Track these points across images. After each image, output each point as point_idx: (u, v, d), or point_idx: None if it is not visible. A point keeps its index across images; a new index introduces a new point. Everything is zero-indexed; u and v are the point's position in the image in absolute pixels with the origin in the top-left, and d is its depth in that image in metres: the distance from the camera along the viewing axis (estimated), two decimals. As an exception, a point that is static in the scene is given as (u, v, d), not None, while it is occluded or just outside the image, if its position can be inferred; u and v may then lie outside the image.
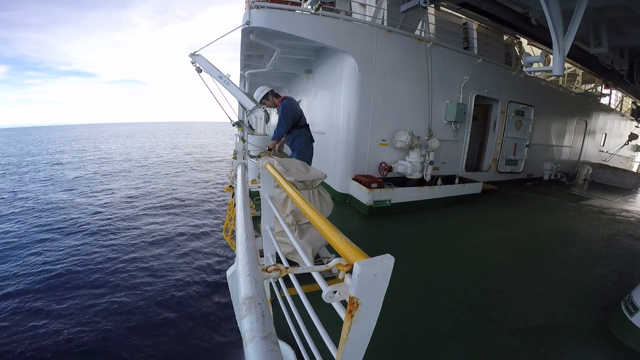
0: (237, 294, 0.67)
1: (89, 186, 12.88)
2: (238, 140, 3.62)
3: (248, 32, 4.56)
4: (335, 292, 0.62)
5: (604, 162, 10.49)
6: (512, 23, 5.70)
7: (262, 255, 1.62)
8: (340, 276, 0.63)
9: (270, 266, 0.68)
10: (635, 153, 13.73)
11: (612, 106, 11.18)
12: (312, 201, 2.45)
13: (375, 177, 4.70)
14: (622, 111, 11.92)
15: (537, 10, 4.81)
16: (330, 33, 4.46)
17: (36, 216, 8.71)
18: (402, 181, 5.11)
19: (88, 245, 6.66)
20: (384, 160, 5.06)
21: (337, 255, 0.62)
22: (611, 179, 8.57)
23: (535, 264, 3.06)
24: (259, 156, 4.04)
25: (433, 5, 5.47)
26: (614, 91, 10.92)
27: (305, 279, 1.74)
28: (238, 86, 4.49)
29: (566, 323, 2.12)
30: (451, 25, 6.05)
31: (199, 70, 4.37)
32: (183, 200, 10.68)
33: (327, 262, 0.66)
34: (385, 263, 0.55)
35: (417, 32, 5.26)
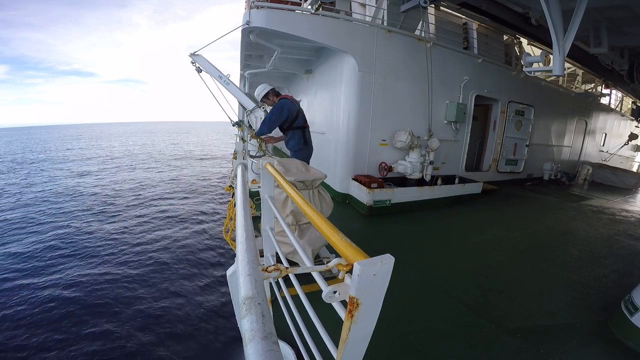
0: (237, 294, 0.66)
1: (90, 184, 12.89)
2: (238, 140, 3.63)
3: (248, 32, 4.56)
4: (335, 292, 0.62)
5: (604, 162, 10.49)
6: (512, 23, 5.70)
7: (262, 255, 1.62)
8: (340, 276, 0.63)
9: (270, 266, 0.68)
10: (635, 153, 13.73)
11: (612, 106, 11.18)
12: (312, 201, 2.45)
13: (375, 177, 4.70)
14: (622, 111, 11.93)
15: (537, 10, 4.81)
16: (330, 33, 4.46)
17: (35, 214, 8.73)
18: (402, 181, 5.12)
19: (88, 241, 6.66)
20: (384, 160, 5.06)
21: (337, 255, 0.62)
22: (611, 179, 8.57)
23: (535, 264, 3.06)
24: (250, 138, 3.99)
25: (433, 5, 5.46)
26: (614, 91, 10.92)
27: (305, 279, 1.74)
28: (238, 86, 4.50)
29: (566, 323, 2.12)
30: (451, 25, 6.05)
31: (199, 70, 4.37)
32: (183, 201, 10.68)
33: (327, 262, 0.66)
34: (385, 263, 0.55)
35: (417, 32, 5.26)
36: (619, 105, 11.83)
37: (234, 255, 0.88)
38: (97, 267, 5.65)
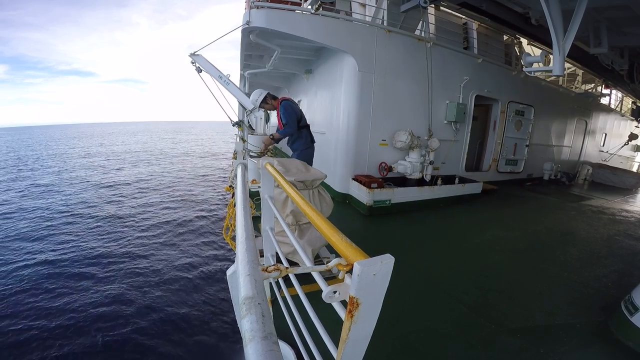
0: (237, 294, 0.66)
1: (90, 184, 12.89)
2: (238, 140, 3.63)
3: (248, 32, 4.56)
4: (335, 292, 0.62)
5: (604, 162, 10.49)
6: (512, 23, 5.70)
7: (262, 255, 1.62)
8: (340, 276, 0.63)
9: (270, 266, 0.68)
10: (635, 153, 13.73)
11: (612, 106, 11.18)
12: (312, 201, 2.45)
13: (375, 177, 4.70)
14: (622, 111, 11.92)
15: (537, 10, 4.81)
16: (330, 33, 4.46)
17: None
18: (402, 181, 5.11)
19: (87, 242, 6.66)
20: (384, 160, 5.06)
21: (337, 255, 0.62)
22: (611, 179, 8.57)
23: (535, 264, 3.06)
24: (263, 151, 4.00)
25: (433, 5, 5.46)
26: (614, 91, 10.91)
27: (305, 279, 1.74)
28: (238, 86, 4.50)
29: (566, 323, 2.12)
30: (451, 25, 6.05)
31: (199, 70, 4.37)
32: (183, 200, 10.68)
33: (327, 262, 0.66)
34: (385, 263, 0.55)
35: (417, 32, 5.25)
36: (619, 105, 11.83)
37: (234, 255, 0.88)
38: (97, 266, 5.65)
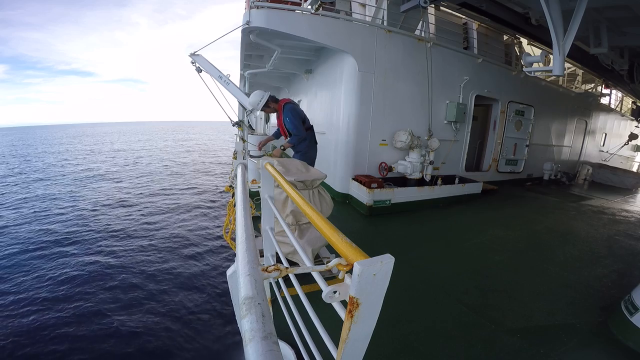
0: (237, 294, 0.66)
1: (90, 182, 12.89)
2: (238, 140, 3.62)
3: (248, 32, 4.56)
4: (335, 292, 0.62)
5: (604, 162, 10.49)
6: (512, 23, 5.70)
7: (262, 255, 1.62)
8: (340, 276, 0.63)
9: (270, 266, 0.68)
10: (635, 153, 13.73)
11: (612, 106, 11.18)
12: (312, 201, 2.45)
13: (375, 177, 4.70)
14: (622, 111, 11.92)
15: (537, 10, 4.81)
16: (330, 33, 4.46)
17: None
18: (402, 181, 5.11)
19: (84, 242, 6.66)
20: (384, 160, 5.06)
21: (337, 255, 0.62)
22: (611, 179, 8.57)
23: (535, 264, 3.06)
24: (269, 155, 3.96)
25: (433, 5, 5.46)
26: (614, 91, 10.91)
27: (305, 279, 1.74)
28: (238, 86, 4.50)
29: (566, 323, 2.12)
30: (451, 25, 6.04)
31: (199, 70, 4.38)
32: (183, 201, 10.68)
33: (327, 262, 0.66)
34: (385, 263, 0.55)
35: (417, 32, 5.25)
36: (619, 105, 11.82)
37: (234, 255, 0.88)
38: (96, 265, 5.66)
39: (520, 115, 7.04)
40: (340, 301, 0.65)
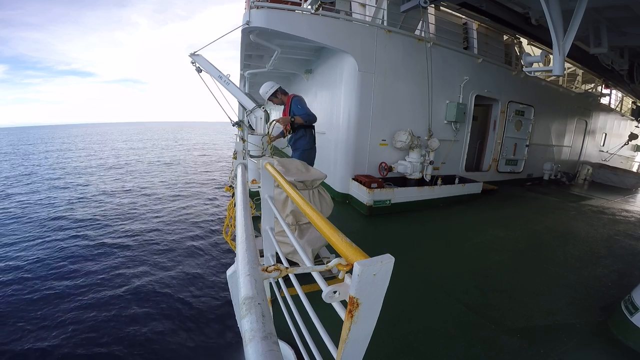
0: (237, 294, 0.66)
1: (90, 181, 12.90)
2: (238, 140, 3.62)
3: (248, 32, 4.56)
4: (335, 292, 0.62)
5: (604, 162, 10.49)
6: (512, 23, 5.70)
7: (262, 255, 1.62)
8: (340, 276, 0.63)
9: (270, 266, 0.68)
10: (635, 153, 13.73)
11: (612, 106, 11.18)
12: (312, 201, 2.45)
13: (375, 177, 4.70)
14: (622, 111, 11.92)
15: (537, 10, 4.81)
16: (330, 33, 4.46)
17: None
18: (402, 181, 5.11)
19: (81, 240, 6.66)
20: (384, 160, 5.06)
21: (337, 255, 0.62)
22: (611, 179, 8.57)
23: (535, 264, 3.06)
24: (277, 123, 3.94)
25: (433, 5, 5.46)
26: (614, 91, 10.91)
27: (305, 279, 1.74)
28: (238, 86, 4.50)
29: (566, 323, 2.12)
30: (451, 25, 6.04)
31: (199, 70, 4.37)
32: (183, 201, 10.68)
33: (327, 262, 0.66)
34: (385, 263, 0.55)
35: (417, 32, 5.25)
36: (619, 105, 11.82)
37: (234, 255, 0.88)
38: (95, 265, 5.65)
39: (520, 115, 7.04)
40: (340, 301, 0.65)
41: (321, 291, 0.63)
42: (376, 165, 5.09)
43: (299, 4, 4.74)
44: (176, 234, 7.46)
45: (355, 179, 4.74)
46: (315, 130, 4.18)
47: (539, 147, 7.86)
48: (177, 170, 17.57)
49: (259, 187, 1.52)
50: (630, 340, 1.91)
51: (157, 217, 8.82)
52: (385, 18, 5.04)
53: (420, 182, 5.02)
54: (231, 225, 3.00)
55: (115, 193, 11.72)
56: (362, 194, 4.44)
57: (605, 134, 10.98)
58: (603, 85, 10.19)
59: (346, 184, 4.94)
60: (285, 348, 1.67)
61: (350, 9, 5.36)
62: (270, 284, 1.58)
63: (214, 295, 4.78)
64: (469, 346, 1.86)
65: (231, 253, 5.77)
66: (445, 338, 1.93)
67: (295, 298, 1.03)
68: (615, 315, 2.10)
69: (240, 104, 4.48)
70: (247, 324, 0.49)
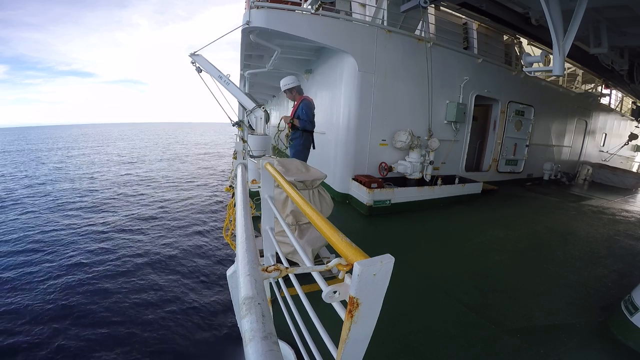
0: (237, 294, 0.66)
1: (88, 180, 12.90)
2: (238, 140, 3.62)
3: (248, 32, 4.56)
4: (335, 292, 0.62)
5: (604, 162, 10.49)
6: (512, 23, 5.70)
7: (262, 255, 1.62)
8: (340, 276, 0.63)
9: (270, 266, 0.68)
10: (635, 153, 13.73)
11: (612, 106, 11.18)
12: (312, 201, 2.45)
13: (375, 177, 4.70)
14: (622, 111, 11.92)
15: (537, 10, 4.81)
16: (330, 33, 4.46)
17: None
18: (402, 181, 5.11)
19: (84, 240, 6.66)
20: (384, 160, 5.06)
21: (337, 255, 0.62)
22: (611, 179, 8.57)
23: (535, 264, 3.06)
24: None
25: (433, 5, 5.46)
26: (614, 91, 10.91)
27: (305, 279, 1.74)
28: (238, 86, 4.50)
29: (566, 323, 2.12)
30: (451, 25, 6.05)
31: (199, 70, 4.38)
32: (183, 201, 10.68)
33: (327, 262, 0.66)
34: (385, 263, 0.55)
35: (417, 32, 5.26)
36: (619, 105, 11.83)
37: (234, 255, 0.88)
38: (96, 264, 5.66)
39: (520, 115, 7.04)
40: (340, 301, 0.65)
41: (321, 291, 0.63)
42: (376, 165, 5.09)
43: (299, 4, 4.74)
44: (175, 233, 7.46)
45: (355, 179, 4.74)
46: (315, 131, 4.28)
47: (539, 147, 7.86)
48: (177, 170, 17.57)
49: (259, 187, 1.52)
50: (630, 340, 1.91)
51: (155, 216, 8.82)
52: (385, 18, 5.04)
53: (420, 182, 5.02)
54: (231, 225, 3.00)
55: (113, 191, 11.73)
56: (362, 194, 4.44)
57: (605, 134, 10.98)
58: (603, 85, 10.19)
59: (346, 184, 4.94)
60: (285, 348, 1.67)
61: (350, 9, 5.36)
62: (270, 284, 1.58)
63: (214, 295, 4.78)
64: (469, 346, 1.86)
65: (231, 253, 5.77)
66: (445, 338, 1.93)
67: (295, 298, 1.03)
68: (615, 315, 2.10)
69: (240, 104, 4.48)
70: (247, 324, 0.49)
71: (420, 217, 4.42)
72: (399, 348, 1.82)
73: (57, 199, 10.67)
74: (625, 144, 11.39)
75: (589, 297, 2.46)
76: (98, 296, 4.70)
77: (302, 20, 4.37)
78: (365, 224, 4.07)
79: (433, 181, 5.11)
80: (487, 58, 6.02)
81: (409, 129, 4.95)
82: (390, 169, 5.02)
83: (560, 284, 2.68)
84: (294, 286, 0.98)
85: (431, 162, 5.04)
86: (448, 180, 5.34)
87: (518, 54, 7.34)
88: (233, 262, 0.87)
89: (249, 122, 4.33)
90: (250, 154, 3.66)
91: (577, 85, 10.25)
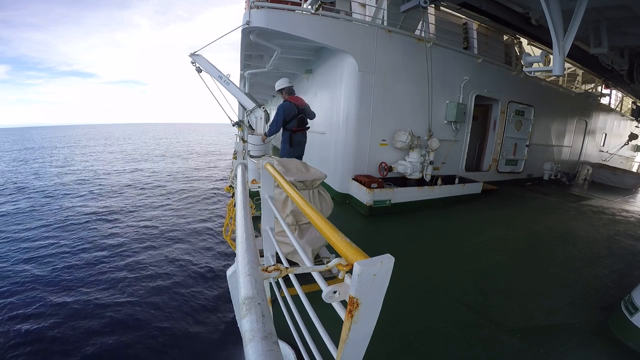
0: (237, 294, 0.66)
1: (89, 181, 12.91)
2: (238, 140, 3.63)
3: (248, 32, 4.56)
4: (335, 292, 0.62)
5: (604, 162, 10.49)
6: (512, 23, 5.70)
7: (262, 255, 1.62)
8: (340, 276, 0.63)
9: (270, 266, 0.68)
10: (635, 153, 13.73)
11: (612, 106, 11.18)
12: (312, 201, 2.45)
13: (375, 177, 4.70)
14: (622, 111, 11.92)
15: (537, 10, 4.81)
16: (330, 33, 4.46)
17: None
18: (402, 181, 5.11)
19: (83, 242, 6.66)
20: (384, 160, 5.06)
21: (337, 255, 0.62)
22: (611, 179, 8.57)
23: (535, 264, 3.06)
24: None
25: (433, 5, 5.46)
26: (614, 91, 10.91)
27: (305, 279, 1.74)
28: (238, 86, 4.50)
29: (566, 323, 2.12)
30: (451, 25, 6.04)
31: (199, 70, 4.38)
32: (183, 201, 10.68)
33: (327, 262, 0.66)
34: (385, 263, 0.55)
35: (417, 32, 5.25)
36: (619, 105, 11.82)
37: (234, 255, 0.88)
38: (94, 265, 5.66)
39: (520, 115, 7.04)
40: (340, 301, 0.65)
41: (321, 291, 0.63)
42: (376, 165, 5.08)
43: (299, 4, 4.74)
44: (175, 234, 7.45)
45: (355, 179, 4.74)
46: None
47: (539, 147, 7.85)
48: (177, 170, 17.56)
49: (259, 187, 1.52)
50: (630, 340, 1.91)
51: (155, 216, 8.82)
52: (385, 18, 5.04)
53: (420, 182, 5.02)
54: (231, 225, 3.00)
55: (113, 191, 11.72)
56: (362, 194, 4.44)
57: (605, 134, 10.98)
58: (603, 85, 10.19)
59: (346, 184, 4.94)
60: (285, 348, 1.67)
61: (350, 9, 5.36)
62: (270, 284, 1.58)
63: (214, 295, 4.79)
64: (469, 346, 1.86)
65: (231, 253, 5.77)
66: (445, 338, 1.93)
67: (295, 298, 1.03)
68: (615, 315, 2.10)
69: (240, 104, 4.49)
70: (247, 324, 0.49)
71: (420, 217, 4.42)
72: (399, 348, 1.82)
73: (64, 193, 10.68)
74: (625, 144, 11.39)
75: (589, 297, 2.46)
76: (92, 296, 4.70)
77: (302, 20, 4.37)
78: (365, 224, 4.07)
79: (433, 181, 5.11)
80: (487, 58, 6.02)
81: (409, 129, 4.95)
82: (390, 169, 5.02)
83: (560, 284, 2.68)
84: (294, 286, 0.98)
85: (431, 162, 5.04)
86: (448, 180, 5.34)
87: (518, 54, 7.34)
88: (233, 262, 0.87)
89: (249, 122, 4.34)
90: (250, 154, 3.67)
91: (577, 85, 10.25)
